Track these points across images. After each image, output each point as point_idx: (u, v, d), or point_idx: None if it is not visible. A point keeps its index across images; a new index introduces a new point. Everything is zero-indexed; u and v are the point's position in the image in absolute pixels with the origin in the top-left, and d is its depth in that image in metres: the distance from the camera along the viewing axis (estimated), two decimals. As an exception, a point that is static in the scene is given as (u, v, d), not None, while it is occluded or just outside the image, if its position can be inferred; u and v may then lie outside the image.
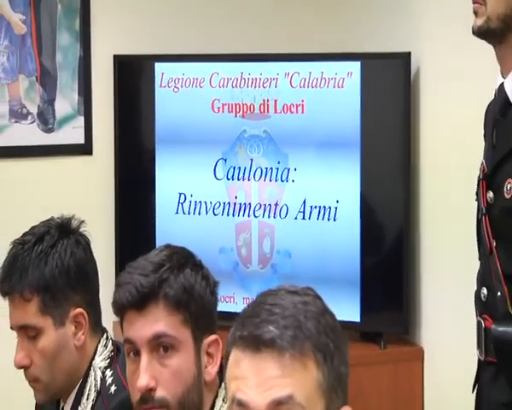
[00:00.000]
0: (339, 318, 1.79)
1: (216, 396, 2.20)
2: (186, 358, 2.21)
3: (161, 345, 2.20)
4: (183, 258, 2.28)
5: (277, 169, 4.34)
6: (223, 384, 2.05)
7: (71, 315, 2.61)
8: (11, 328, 2.62)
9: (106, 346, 2.69)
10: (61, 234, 2.64)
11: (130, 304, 2.21)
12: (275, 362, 1.66)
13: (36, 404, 2.84)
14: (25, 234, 2.66)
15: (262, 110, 4.35)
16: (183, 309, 2.22)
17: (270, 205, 4.36)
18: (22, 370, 2.61)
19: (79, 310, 2.62)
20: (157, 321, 2.21)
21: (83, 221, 2.68)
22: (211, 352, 2.24)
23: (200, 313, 2.23)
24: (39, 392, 2.63)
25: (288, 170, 4.32)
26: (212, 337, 2.25)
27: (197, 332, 2.23)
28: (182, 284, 2.22)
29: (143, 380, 2.16)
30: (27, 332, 2.57)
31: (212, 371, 2.24)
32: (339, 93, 4.23)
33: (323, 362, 1.67)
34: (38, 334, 2.57)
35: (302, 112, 4.28)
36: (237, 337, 1.70)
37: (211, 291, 2.27)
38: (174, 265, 2.24)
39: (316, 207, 4.27)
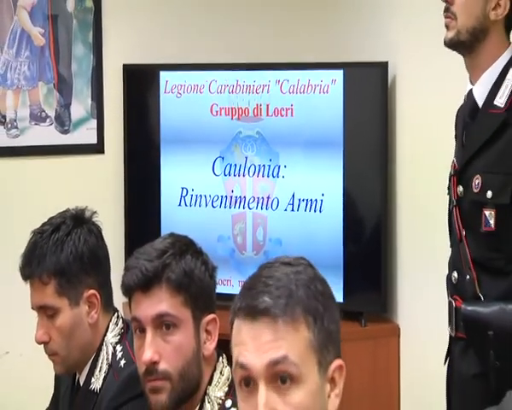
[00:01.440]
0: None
1: (214, 370, 2.18)
2: (186, 335, 2.22)
3: (164, 323, 2.22)
4: (184, 245, 2.28)
5: (269, 166, 4.35)
6: (220, 358, 2.05)
7: (84, 296, 2.60)
8: (32, 308, 2.61)
9: (117, 324, 2.68)
10: (75, 224, 2.63)
11: (137, 286, 2.23)
12: (269, 328, 1.69)
13: (55, 375, 2.84)
14: (43, 224, 2.65)
15: (255, 113, 4.35)
16: (184, 291, 2.23)
17: (262, 198, 4.37)
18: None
19: (92, 291, 2.61)
20: (160, 302, 2.22)
21: (95, 212, 2.68)
22: (209, 329, 2.24)
23: (199, 294, 2.24)
24: (58, 365, 2.62)
25: (279, 167, 4.33)
26: (211, 316, 2.25)
27: (196, 312, 2.23)
28: (183, 269, 2.23)
29: (148, 354, 2.18)
30: (46, 312, 2.57)
31: (210, 346, 2.24)
32: (324, 98, 4.24)
33: (314, 324, 1.70)
34: (56, 313, 2.56)
35: (291, 115, 4.29)
36: (237, 309, 1.74)
37: (209, 275, 2.28)
38: (176, 251, 2.25)
39: (303, 200, 4.28)
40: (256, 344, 1.69)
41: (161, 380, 2.22)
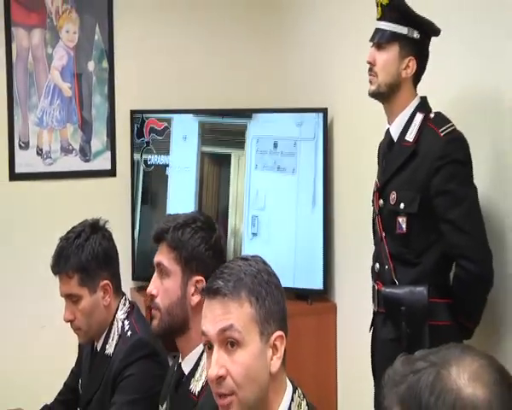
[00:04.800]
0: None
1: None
2: (173, 283, 2.23)
3: (161, 269, 2.25)
4: (195, 221, 2.27)
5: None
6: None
7: (100, 285, 2.62)
8: (60, 295, 2.63)
9: (124, 304, 2.70)
10: (92, 231, 2.66)
11: (153, 238, 2.30)
12: (220, 304, 1.71)
13: (79, 344, 2.84)
14: (68, 232, 2.68)
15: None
16: (177, 250, 2.23)
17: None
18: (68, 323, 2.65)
19: (106, 281, 2.63)
20: (160, 253, 2.26)
21: (107, 221, 2.72)
22: (197, 286, 2.22)
23: (189, 257, 2.22)
24: (81, 337, 2.66)
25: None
26: (199, 277, 2.22)
27: (186, 269, 2.23)
28: (180, 235, 2.23)
29: (149, 288, 2.26)
30: (71, 298, 2.60)
31: (194, 299, 2.22)
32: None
33: (256, 303, 1.70)
34: (79, 299, 2.59)
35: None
36: (202, 290, 1.82)
37: (208, 249, 2.24)
38: (180, 224, 2.26)
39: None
40: (211, 316, 1.72)
41: (155, 309, 2.25)
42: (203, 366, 2.14)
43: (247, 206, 4.23)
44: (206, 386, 2.10)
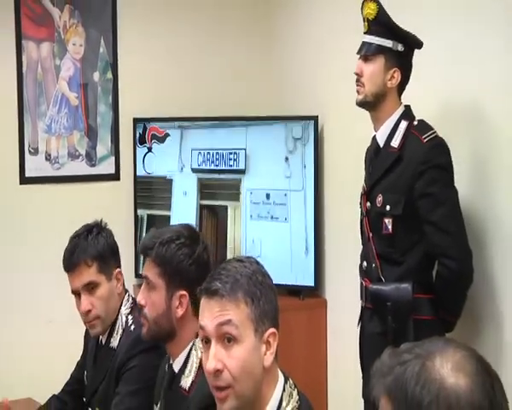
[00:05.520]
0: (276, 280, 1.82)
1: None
2: (159, 296, 2.22)
3: (147, 282, 2.24)
4: (179, 237, 2.24)
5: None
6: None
7: (114, 273, 2.64)
8: (73, 291, 2.61)
9: (128, 300, 2.68)
10: (100, 228, 2.68)
11: (140, 252, 2.34)
12: (218, 303, 1.70)
13: (84, 337, 2.83)
14: (77, 231, 2.67)
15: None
16: (162, 266, 2.21)
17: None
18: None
19: (118, 270, 2.66)
20: (146, 268, 2.25)
21: (106, 222, 2.71)
22: (181, 300, 2.21)
23: (173, 273, 2.21)
24: (98, 326, 2.62)
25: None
26: (183, 292, 2.21)
27: (171, 284, 2.21)
28: (164, 251, 2.21)
29: (139, 298, 2.26)
30: (88, 287, 2.58)
31: (179, 311, 2.21)
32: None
33: (251, 303, 1.70)
34: (97, 286, 2.59)
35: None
36: (200, 290, 1.77)
37: (192, 264, 2.21)
38: (166, 240, 2.22)
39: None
40: (209, 313, 1.71)
41: (144, 319, 2.25)
42: (191, 363, 2.17)
43: (245, 253, 4.20)
44: (195, 381, 2.13)
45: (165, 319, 2.21)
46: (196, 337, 2.20)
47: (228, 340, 1.68)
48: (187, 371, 2.19)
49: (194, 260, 2.22)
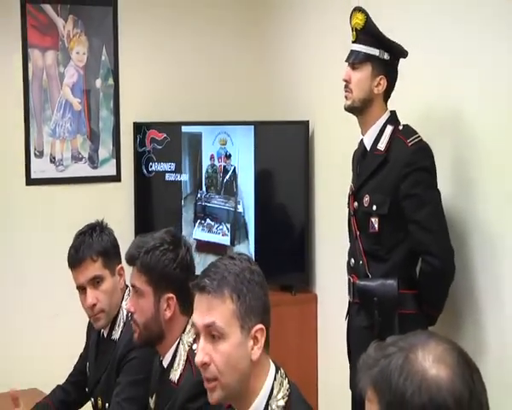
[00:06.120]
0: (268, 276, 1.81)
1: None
2: (147, 302, 2.22)
3: (136, 290, 2.24)
4: (162, 244, 2.23)
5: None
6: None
7: (117, 269, 2.63)
8: (77, 287, 2.60)
9: (129, 295, 2.65)
10: (102, 227, 2.67)
11: (126, 261, 2.31)
12: (206, 300, 1.71)
13: (87, 329, 2.83)
14: (81, 230, 2.67)
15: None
16: (148, 274, 2.21)
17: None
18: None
19: (121, 265, 2.65)
20: (133, 276, 2.25)
21: (107, 222, 2.70)
22: (168, 302, 2.22)
23: (159, 278, 2.21)
24: (102, 319, 2.61)
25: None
26: (170, 295, 2.21)
27: (158, 289, 2.21)
28: (148, 259, 2.21)
29: (129, 306, 2.30)
30: (94, 282, 2.57)
31: (167, 313, 2.22)
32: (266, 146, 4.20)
33: (237, 300, 1.69)
34: (101, 280, 2.58)
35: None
36: (192, 285, 1.77)
37: (176, 267, 2.22)
38: (150, 248, 2.22)
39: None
40: (199, 310, 1.73)
41: (135, 325, 2.26)
42: (179, 357, 2.20)
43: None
44: (183, 374, 2.16)
45: (153, 322, 2.22)
46: (183, 332, 2.23)
47: (213, 336, 1.70)
48: (175, 365, 2.20)
49: (178, 263, 2.23)
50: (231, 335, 1.69)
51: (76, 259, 2.58)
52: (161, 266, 2.21)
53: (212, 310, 1.69)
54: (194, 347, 2.05)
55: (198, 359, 1.70)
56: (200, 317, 1.71)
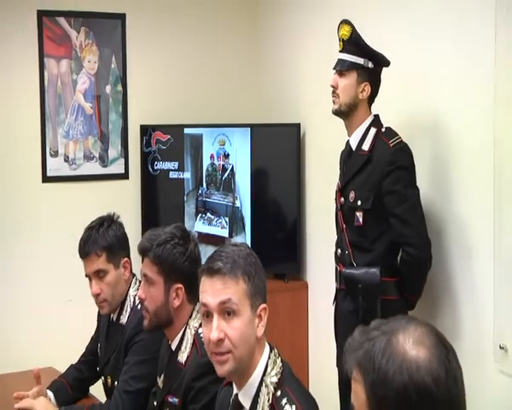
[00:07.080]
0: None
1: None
2: (157, 291, 2.22)
3: (147, 279, 2.23)
4: (170, 237, 2.23)
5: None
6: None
7: (122, 262, 2.61)
8: (86, 275, 2.60)
9: (135, 283, 2.66)
10: (111, 221, 2.65)
11: (139, 252, 2.28)
12: (220, 281, 1.70)
13: (98, 315, 2.83)
14: (91, 223, 2.66)
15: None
16: (159, 265, 2.21)
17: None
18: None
19: (126, 259, 2.63)
20: (145, 266, 2.24)
21: (119, 216, 2.69)
22: (177, 292, 2.22)
23: (170, 270, 2.20)
24: (105, 308, 2.62)
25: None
26: (179, 285, 2.21)
27: (168, 280, 2.21)
28: (160, 251, 2.21)
29: (140, 293, 2.26)
30: (98, 274, 2.57)
31: (176, 302, 2.22)
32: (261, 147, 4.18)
33: (248, 281, 1.70)
34: (105, 274, 2.57)
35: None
36: (202, 269, 1.75)
37: (185, 260, 2.22)
38: (162, 240, 2.21)
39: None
40: (212, 291, 1.71)
41: (145, 312, 2.25)
42: (186, 341, 2.20)
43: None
44: (190, 355, 2.16)
45: (163, 310, 2.22)
46: (190, 318, 2.23)
47: (228, 313, 1.69)
48: (183, 348, 2.21)
49: (187, 256, 2.23)
50: (243, 312, 1.69)
51: (83, 252, 2.59)
52: (172, 258, 2.21)
53: (227, 289, 1.69)
54: (200, 331, 2.05)
55: (214, 336, 1.68)
56: (214, 296, 1.70)
